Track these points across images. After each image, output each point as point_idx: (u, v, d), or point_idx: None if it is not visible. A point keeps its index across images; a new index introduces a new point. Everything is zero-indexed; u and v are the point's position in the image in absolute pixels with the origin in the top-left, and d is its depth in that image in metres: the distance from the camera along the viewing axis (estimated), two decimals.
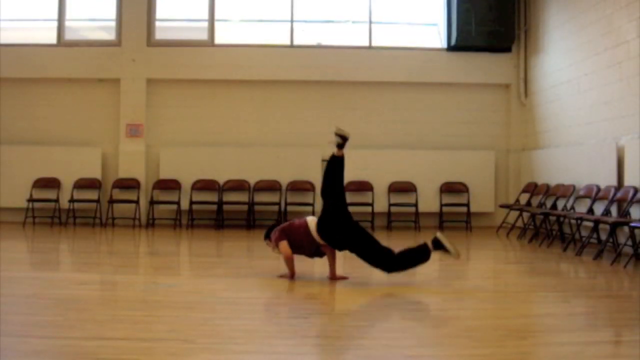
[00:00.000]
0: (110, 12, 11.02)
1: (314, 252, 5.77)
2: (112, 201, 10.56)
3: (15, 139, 10.76)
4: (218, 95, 11.11)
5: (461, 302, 5.07)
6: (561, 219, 8.48)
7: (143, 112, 10.89)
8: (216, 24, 11.15)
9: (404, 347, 3.69)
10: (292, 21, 11.15)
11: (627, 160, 7.58)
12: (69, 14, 11.02)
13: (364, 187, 10.69)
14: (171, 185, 10.70)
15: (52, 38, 10.97)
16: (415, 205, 10.62)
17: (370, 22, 11.18)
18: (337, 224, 5.59)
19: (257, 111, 11.10)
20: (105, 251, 8.33)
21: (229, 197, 10.63)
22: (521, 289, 5.90)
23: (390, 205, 10.64)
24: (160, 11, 11.11)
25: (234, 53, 11.03)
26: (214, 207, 10.54)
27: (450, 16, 10.92)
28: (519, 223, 9.86)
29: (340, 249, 5.69)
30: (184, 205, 10.57)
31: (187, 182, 10.68)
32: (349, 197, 9.87)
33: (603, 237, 7.55)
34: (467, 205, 10.68)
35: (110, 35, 11.08)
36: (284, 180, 10.72)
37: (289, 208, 10.45)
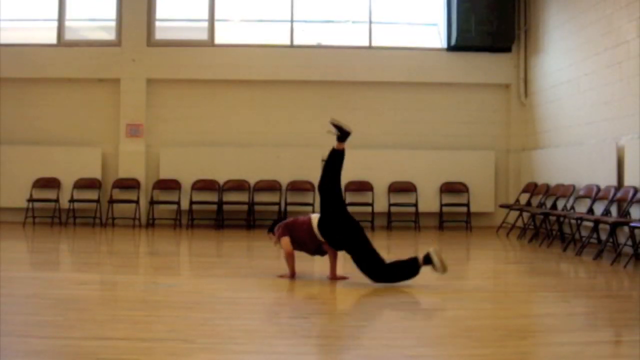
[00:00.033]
0: (110, 12, 11.01)
1: (315, 250, 5.76)
2: (112, 201, 10.56)
3: (15, 139, 10.75)
4: (218, 95, 11.11)
5: (461, 302, 5.07)
6: (561, 219, 8.48)
7: (143, 112, 10.89)
8: (216, 24, 11.15)
9: (404, 347, 3.69)
10: (292, 21, 11.15)
11: (627, 160, 7.58)
12: (69, 14, 11.02)
13: (364, 187, 10.69)
14: (171, 185, 10.70)
15: (52, 38, 10.96)
16: (415, 205, 10.62)
17: (370, 22, 11.18)
18: (338, 223, 5.59)
19: (257, 111, 11.10)
20: (105, 251, 8.33)
21: (229, 197, 10.63)
22: (521, 289, 5.90)
23: (390, 205, 10.64)
24: (160, 11, 11.11)
25: (234, 53, 11.03)
26: (214, 207, 10.54)
27: (450, 16, 10.92)
28: (519, 223, 9.86)
29: (339, 249, 5.69)
30: (184, 205, 10.57)
31: (187, 182, 10.68)
32: (349, 197, 9.93)
33: (603, 237, 7.54)
34: (467, 205, 10.68)
35: (110, 35, 11.07)
36: (284, 180, 10.72)
37: (289, 208, 10.44)
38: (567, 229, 8.60)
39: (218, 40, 11.15)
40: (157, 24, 11.07)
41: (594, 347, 3.71)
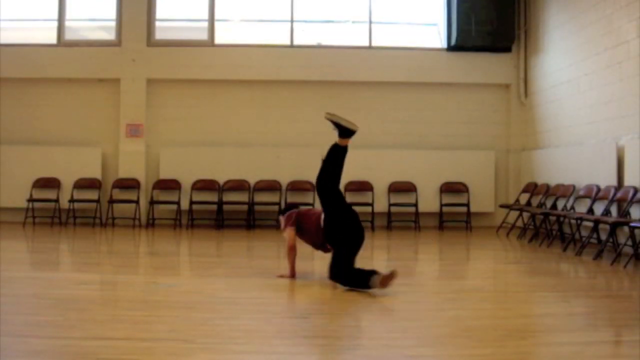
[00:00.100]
0: (110, 12, 11.01)
1: (320, 244, 5.70)
2: (112, 201, 10.56)
3: (15, 139, 10.75)
4: (218, 95, 11.11)
5: (461, 302, 5.07)
6: (561, 219, 8.48)
7: (143, 112, 10.89)
8: (216, 24, 11.15)
9: (404, 347, 3.69)
10: (292, 21, 11.15)
11: (627, 160, 7.58)
12: (69, 14, 11.01)
13: (364, 187, 10.69)
14: (171, 185, 10.70)
15: (52, 38, 10.96)
16: (415, 205, 10.62)
17: (370, 22, 11.18)
18: (341, 227, 5.46)
19: (257, 111, 11.10)
20: (105, 251, 8.33)
21: (229, 197, 10.63)
22: (521, 289, 5.90)
23: (390, 205, 10.64)
24: (160, 11, 11.11)
25: (234, 53, 11.03)
26: (214, 207, 10.54)
27: (450, 16, 10.92)
28: (519, 223, 9.86)
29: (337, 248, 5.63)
30: (184, 205, 10.57)
31: (187, 182, 10.68)
32: (349, 197, 9.92)
33: (603, 237, 7.55)
34: (467, 205, 10.68)
35: (110, 35, 11.08)
36: (284, 180, 10.72)
37: None
38: (567, 229, 8.60)
39: (218, 40, 11.15)
40: (157, 24, 11.07)
41: (594, 347, 3.72)
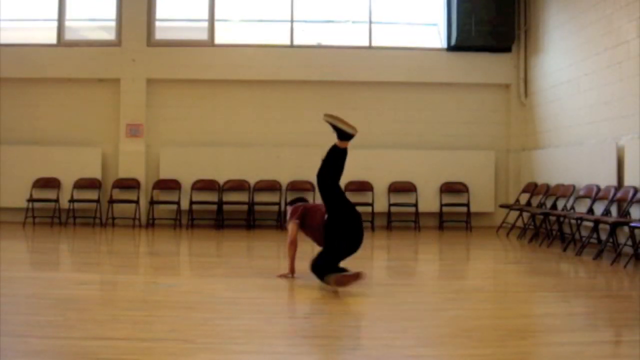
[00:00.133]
0: (110, 12, 11.01)
1: (321, 242, 5.66)
2: (112, 201, 10.56)
3: (15, 139, 10.75)
4: (218, 95, 11.11)
5: (461, 302, 5.07)
6: (561, 219, 8.48)
7: (143, 112, 10.89)
8: (216, 24, 11.15)
9: (404, 347, 3.69)
10: (292, 21, 11.15)
11: (627, 160, 7.58)
12: (69, 14, 11.01)
13: (364, 187, 10.69)
14: (171, 185, 10.70)
15: (52, 38, 10.96)
16: (415, 205, 10.62)
17: (370, 22, 11.18)
18: (342, 230, 5.44)
19: (257, 111, 11.10)
20: (105, 251, 8.33)
21: (229, 197, 10.63)
22: (521, 289, 5.90)
23: (390, 205, 10.64)
24: (160, 11, 11.11)
25: (234, 53, 11.03)
26: (214, 207, 10.54)
27: (450, 16, 10.92)
28: (519, 223, 9.86)
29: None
30: (184, 205, 10.57)
31: (187, 182, 10.68)
32: (349, 197, 9.90)
33: (603, 237, 7.55)
34: (467, 205, 10.68)
35: (110, 35, 11.08)
36: (284, 180, 10.72)
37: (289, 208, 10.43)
38: (567, 229, 8.60)
39: (218, 40, 11.15)
40: (157, 24, 11.07)
41: (594, 347, 3.72)
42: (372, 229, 10.25)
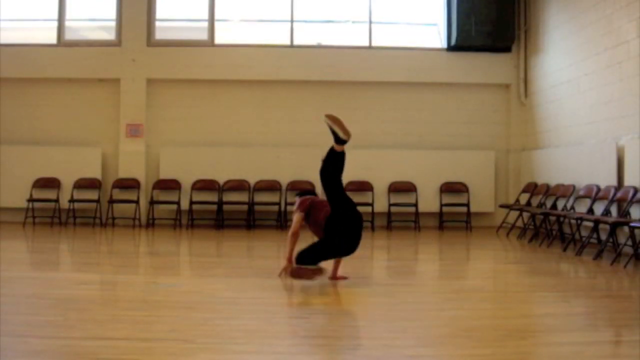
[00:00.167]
0: (110, 12, 11.01)
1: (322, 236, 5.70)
2: (112, 201, 10.56)
3: (15, 139, 10.75)
4: (218, 95, 11.11)
5: (461, 302, 5.07)
6: (561, 219, 8.48)
7: (143, 112, 10.89)
8: (216, 24, 11.15)
9: (404, 347, 3.69)
10: (292, 21, 11.14)
11: (627, 160, 7.58)
12: (69, 14, 11.01)
13: (364, 187, 10.69)
14: (171, 185, 10.70)
15: (52, 38, 10.96)
16: (415, 205, 10.62)
17: (370, 22, 11.18)
18: (342, 229, 5.49)
19: (257, 111, 11.10)
20: (105, 251, 8.33)
21: (229, 197, 10.63)
22: (521, 289, 5.90)
23: (390, 205, 10.64)
24: (160, 11, 11.11)
25: (234, 53, 11.03)
26: (214, 207, 10.54)
27: (450, 16, 10.92)
28: (519, 223, 9.86)
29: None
30: (184, 205, 10.57)
31: (187, 182, 10.68)
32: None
33: (603, 237, 7.54)
34: (467, 205, 10.68)
35: (110, 35, 11.08)
36: (284, 180, 10.72)
37: (289, 208, 10.43)
38: (567, 229, 8.60)
39: (218, 40, 11.15)
40: (157, 24, 11.07)
41: (594, 347, 3.72)
42: (372, 229, 10.25)
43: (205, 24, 11.11)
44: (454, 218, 10.79)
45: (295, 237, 5.66)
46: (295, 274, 5.23)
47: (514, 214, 10.08)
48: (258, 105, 11.10)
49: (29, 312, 4.40)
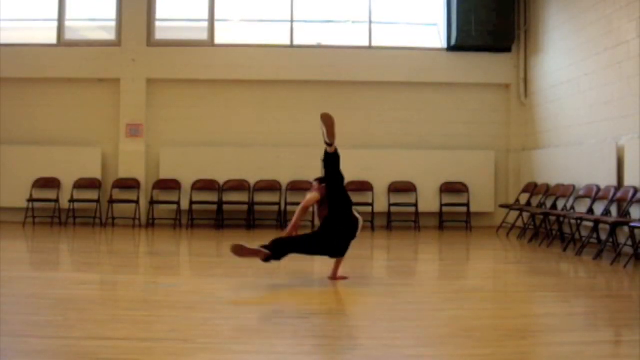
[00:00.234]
0: (110, 12, 11.02)
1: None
2: (112, 201, 10.56)
3: (15, 139, 10.76)
4: (218, 95, 11.11)
5: (461, 302, 5.07)
6: (561, 219, 8.48)
7: (143, 112, 10.89)
8: (216, 24, 11.15)
9: (404, 347, 3.69)
10: (292, 21, 11.14)
11: (627, 160, 7.58)
12: (69, 14, 11.01)
13: (364, 187, 10.69)
14: (171, 185, 10.70)
15: (52, 38, 10.96)
16: (415, 205, 10.62)
17: (370, 22, 11.18)
18: (339, 229, 5.54)
19: (257, 111, 11.10)
20: (105, 251, 8.33)
21: (229, 197, 10.63)
22: (521, 289, 5.90)
23: (390, 205, 10.64)
24: (160, 11, 11.11)
25: (234, 53, 11.03)
26: (214, 207, 10.54)
27: (450, 16, 10.92)
28: (519, 223, 9.86)
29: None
30: (184, 205, 10.57)
31: (187, 182, 10.68)
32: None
33: (603, 237, 7.54)
34: (467, 205, 10.68)
35: (110, 35, 11.08)
36: (284, 180, 10.72)
37: (289, 208, 10.43)
38: (567, 229, 8.60)
39: (218, 40, 11.15)
40: (157, 24, 11.07)
41: (594, 347, 3.72)
42: (372, 229, 10.25)
43: (205, 24, 11.11)
44: (454, 218, 10.79)
45: (305, 211, 5.70)
46: (237, 251, 5.31)
47: (514, 214, 10.08)
48: (258, 105, 11.10)
49: (29, 312, 4.40)
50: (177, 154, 10.83)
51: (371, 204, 10.46)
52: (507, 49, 11.04)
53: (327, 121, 5.54)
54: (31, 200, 10.43)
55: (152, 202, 10.61)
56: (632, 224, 6.70)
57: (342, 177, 5.64)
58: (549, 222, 8.89)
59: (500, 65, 11.10)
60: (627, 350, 3.76)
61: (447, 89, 11.18)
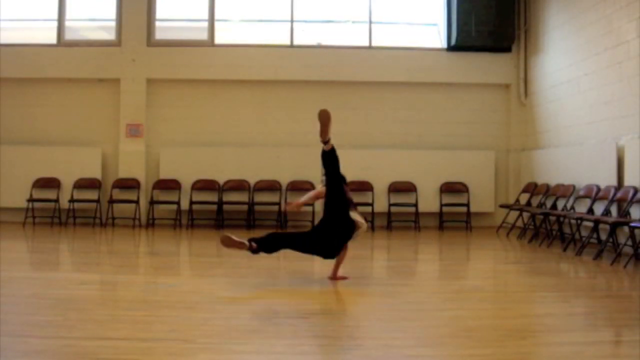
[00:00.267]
0: (110, 12, 11.01)
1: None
2: (112, 201, 10.56)
3: (15, 139, 10.76)
4: (218, 95, 11.11)
5: (461, 302, 5.07)
6: (561, 219, 8.48)
7: (143, 112, 10.89)
8: (216, 24, 11.15)
9: (404, 347, 3.69)
10: (292, 21, 11.14)
11: (627, 160, 7.58)
12: (69, 14, 11.01)
13: (364, 187, 10.69)
14: (171, 185, 10.70)
15: (52, 38, 10.96)
16: (415, 205, 10.62)
17: (370, 22, 11.18)
18: (336, 229, 5.56)
19: (257, 111, 11.10)
20: (105, 251, 8.33)
21: (229, 197, 10.63)
22: (521, 289, 5.90)
23: (390, 205, 10.64)
24: (160, 11, 11.11)
25: (234, 53, 11.03)
26: (214, 207, 10.54)
27: (450, 16, 10.92)
28: (519, 223, 9.86)
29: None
30: (184, 205, 10.57)
31: (187, 182, 10.68)
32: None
33: (603, 237, 7.54)
34: (467, 205, 10.68)
35: (110, 35, 11.08)
36: (284, 180, 10.72)
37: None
38: (567, 229, 8.60)
39: (218, 40, 11.15)
40: (157, 24, 11.07)
41: (594, 347, 3.72)
42: (372, 229, 10.25)
43: (205, 24, 11.11)
44: (454, 218, 10.79)
45: (315, 198, 5.78)
46: (224, 242, 5.37)
47: (514, 214, 10.08)
48: (258, 105, 11.10)
49: (29, 312, 4.40)
50: (177, 154, 10.83)
51: (371, 204, 10.46)
52: (507, 49, 11.04)
53: (322, 119, 5.59)
54: (31, 200, 10.43)
55: (152, 202, 10.61)
56: (632, 224, 6.70)
57: (341, 177, 5.63)
58: (549, 222, 8.89)
59: (500, 65, 11.10)
60: (627, 350, 3.76)
61: (447, 89, 11.18)
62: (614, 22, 8.07)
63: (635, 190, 7.20)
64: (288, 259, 6.88)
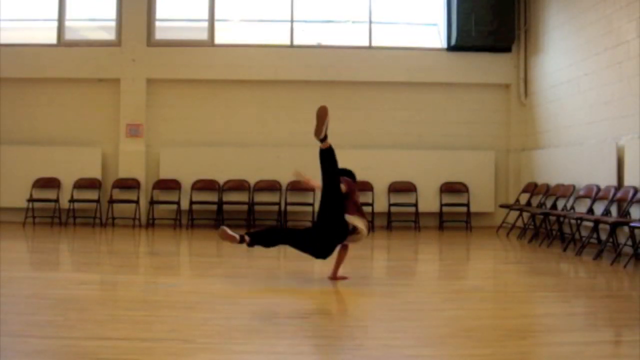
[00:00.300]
0: (110, 12, 11.01)
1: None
2: (112, 201, 10.56)
3: (15, 139, 10.75)
4: (218, 95, 11.11)
5: (461, 302, 5.07)
6: (561, 219, 8.48)
7: (143, 112, 10.89)
8: (216, 24, 11.14)
9: (404, 347, 3.69)
10: (292, 21, 11.14)
11: (627, 160, 7.58)
12: (69, 14, 11.01)
13: (364, 187, 10.66)
14: (171, 185, 10.69)
15: (52, 38, 10.96)
16: (415, 205, 10.62)
17: (370, 22, 11.18)
18: (332, 230, 5.56)
19: (257, 111, 11.10)
20: (105, 251, 8.33)
21: (229, 197, 10.63)
22: (521, 289, 5.90)
23: (390, 205, 10.64)
24: (160, 11, 11.10)
25: (234, 53, 11.03)
26: (214, 207, 10.54)
27: (450, 16, 10.92)
28: (519, 223, 9.86)
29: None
30: (184, 205, 10.57)
31: (187, 182, 10.68)
32: None
33: (603, 237, 7.54)
34: (467, 205, 10.68)
35: (110, 35, 11.07)
36: (284, 180, 10.71)
37: (289, 208, 10.45)
38: (567, 229, 8.60)
39: (218, 40, 11.14)
40: (157, 24, 11.07)
41: (594, 347, 3.72)
42: (372, 229, 10.24)
43: (205, 24, 11.10)
44: (454, 218, 10.79)
45: (318, 188, 5.76)
46: (221, 235, 5.54)
47: (514, 214, 10.08)
48: (258, 105, 11.09)
49: (29, 312, 4.40)
50: (177, 154, 10.83)
51: (371, 204, 10.46)
52: (507, 49, 11.04)
53: (318, 114, 5.59)
54: (31, 200, 10.43)
55: (152, 202, 10.61)
56: (632, 224, 6.70)
57: (339, 177, 5.61)
58: (549, 222, 8.89)
59: (500, 65, 11.10)
60: (627, 350, 3.76)
61: (447, 89, 11.18)
62: (614, 22, 8.07)
63: (635, 190, 7.20)
64: (288, 259, 6.89)
